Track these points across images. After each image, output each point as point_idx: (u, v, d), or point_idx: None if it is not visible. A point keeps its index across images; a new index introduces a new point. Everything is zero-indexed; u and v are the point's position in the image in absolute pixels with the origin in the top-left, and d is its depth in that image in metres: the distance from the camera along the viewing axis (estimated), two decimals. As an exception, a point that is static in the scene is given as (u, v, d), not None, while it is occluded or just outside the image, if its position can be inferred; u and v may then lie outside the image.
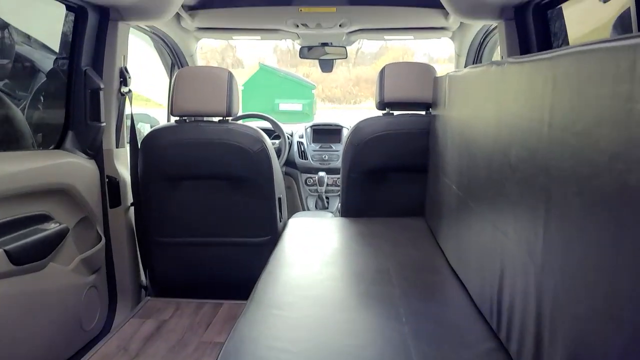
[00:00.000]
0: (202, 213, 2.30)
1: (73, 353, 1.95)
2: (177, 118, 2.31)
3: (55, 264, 1.83)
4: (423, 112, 2.43)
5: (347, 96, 20.56)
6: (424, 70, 2.42)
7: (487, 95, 1.28)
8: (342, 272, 1.71)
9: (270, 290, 1.49)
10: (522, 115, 0.98)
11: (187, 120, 2.31)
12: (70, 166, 1.97)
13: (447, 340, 1.18)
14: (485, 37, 2.86)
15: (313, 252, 1.87)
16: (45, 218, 1.83)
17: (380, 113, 2.49)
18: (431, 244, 1.95)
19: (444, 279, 1.58)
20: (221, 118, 2.29)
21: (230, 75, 2.25)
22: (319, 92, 17.31)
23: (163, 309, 2.30)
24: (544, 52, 0.91)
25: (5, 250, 1.56)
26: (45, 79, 2.25)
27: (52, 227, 1.82)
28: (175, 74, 2.31)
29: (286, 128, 3.57)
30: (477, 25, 2.74)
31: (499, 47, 2.32)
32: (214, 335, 2.08)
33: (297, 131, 3.66)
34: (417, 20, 2.91)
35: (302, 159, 3.55)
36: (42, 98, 2.31)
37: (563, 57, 0.80)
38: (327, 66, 3.58)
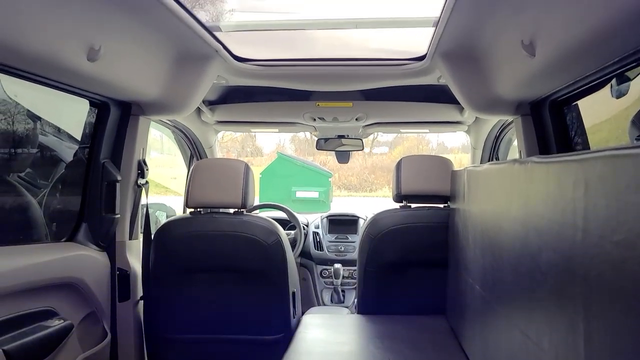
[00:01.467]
0: (214, 308, 2.21)
1: None
2: (192, 210, 2.29)
3: (55, 364, 1.74)
4: (441, 205, 2.39)
5: (363, 184, 20.75)
6: (441, 163, 2.40)
7: (511, 194, 1.23)
8: None
9: (281, 400, 1.37)
10: (551, 219, 0.93)
11: (202, 212, 2.29)
12: (80, 259, 1.93)
13: None
14: (501, 131, 2.87)
15: (328, 355, 1.75)
16: (50, 314, 1.76)
17: (397, 205, 2.45)
18: (454, 347, 1.82)
19: (470, 390, 1.45)
20: (236, 209, 2.27)
21: (247, 167, 2.26)
22: (335, 179, 17.54)
23: None
24: (572, 153, 0.87)
25: (4, 350, 1.49)
26: (64, 170, 2.28)
27: (55, 324, 1.75)
28: (192, 166, 2.32)
29: (302, 218, 3.54)
30: (492, 120, 2.76)
31: (515, 141, 2.32)
32: None
33: (312, 221, 3.62)
34: (433, 114, 2.95)
35: (318, 250, 3.48)
36: (60, 188, 2.33)
37: (595, 160, 0.76)
38: (343, 157, 3.61)
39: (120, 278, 2.16)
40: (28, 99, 2.14)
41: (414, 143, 22.08)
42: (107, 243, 2.12)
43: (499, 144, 2.99)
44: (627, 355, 0.67)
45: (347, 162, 3.57)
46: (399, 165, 2.42)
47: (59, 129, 2.43)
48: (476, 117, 2.93)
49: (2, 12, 1.24)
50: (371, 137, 3.55)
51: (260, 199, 10.85)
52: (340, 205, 11.26)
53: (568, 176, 0.86)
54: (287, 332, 2.18)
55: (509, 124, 2.68)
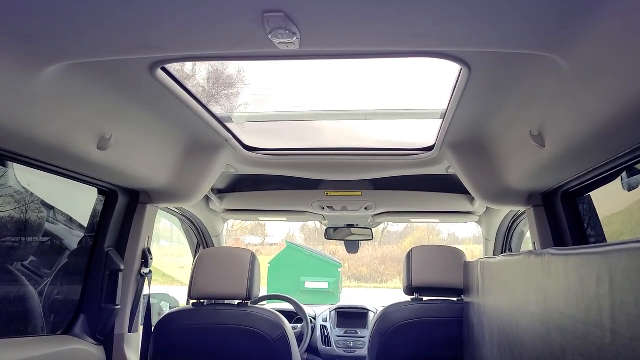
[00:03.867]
0: None
1: None
2: (195, 301, 2.21)
3: None
4: (454, 299, 2.28)
5: (373, 274, 20.35)
6: (453, 255, 2.33)
7: (528, 288, 1.16)
8: None
9: None
10: (574, 317, 0.86)
11: (205, 303, 2.20)
12: (74, 354, 1.84)
13: None
14: (514, 221, 2.82)
15: None
16: (37, 415, 1.64)
17: (408, 298, 2.35)
18: None
19: None
20: (240, 301, 2.18)
21: (253, 257, 2.20)
22: (345, 270, 17.23)
23: None
24: (593, 245, 0.82)
25: None
26: (67, 259, 2.24)
27: None
28: (198, 255, 2.27)
29: (309, 310, 3.40)
30: (504, 210, 2.72)
31: (529, 233, 2.26)
32: None
33: (320, 314, 3.48)
34: (443, 205, 2.92)
35: (326, 345, 3.31)
36: (62, 277, 2.27)
37: (620, 253, 0.71)
38: (352, 247, 3.54)
39: None
40: (36, 187, 2.15)
41: (424, 234, 21.91)
42: (105, 336, 2.02)
43: (512, 235, 2.93)
44: None
45: (356, 252, 3.50)
46: (409, 256, 2.35)
47: (66, 217, 2.42)
48: (487, 208, 2.89)
49: (15, 103, 1.27)
50: (381, 227, 3.51)
51: (268, 289, 10.61)
52: (351, 296, 10.96)
53: (590, 270, 0.80)
54: None
55: (522, 214, 2.63)
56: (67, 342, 1.86)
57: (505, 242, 2.99)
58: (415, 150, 2.30)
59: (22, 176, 2.08)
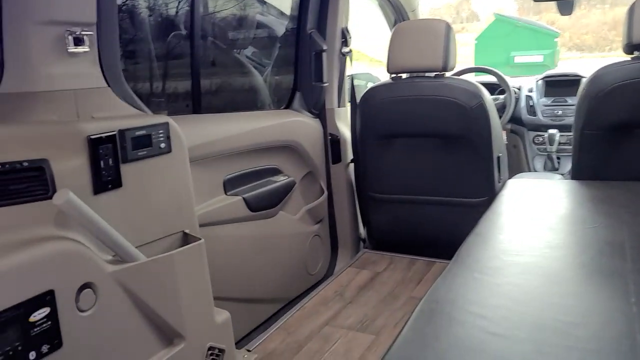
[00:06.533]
0: (416, 171, 2.30)
1: (299, 293, 2.19)
2: (394, 75, 2.32)
3: (284, 212, 2.07)
4: (690, 56, 1.97)
5: (600, 43, 17.87)
6: None
7: None
8: (563, 240, 1.53)
9: (475, 252, 1.42)
10: None
11: (403, 77, 2.30)
12: (297, 124, 2.17)
13: None
14: None
15: (531, 216, 1.71)
16: (275, 171, 2.07)
17: (628, 57, 2.10)
18: None
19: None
20: (438, 73, 2.22)
21: (448, 27, 2.15)
22: (565, 40, 15.45)
23: (378, 261, 2.41)
24: None
25: (244, 199, 1.82)
26: (279, 45, 2.49)
27: (281, 180, 2.05)
28: (393, 29, 2.31)
29: (514, 82, 3.29)
30: None
31: None
32: (424, 292, 2.09)
33: (525, 85, 3.33)
34: None
35: (531, 115, 3.23)
36: (277, 63, 2.57)
37: None
38: (566, 8, 3.14)
39: (332, 142, 2.38)
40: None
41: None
42: (319, 110, 2.32)
43: None
44: None
45: (570, 14, 3.10)
46: (632, 9, 2.02)
47: (272, 7, 2.61)
48: None
49: None
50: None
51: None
52: (565, 68, 10.03)
53: None
54: (491, 196, 2.16)
55: None
56: (291, 115, 2.20)
57: None
58: None
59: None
